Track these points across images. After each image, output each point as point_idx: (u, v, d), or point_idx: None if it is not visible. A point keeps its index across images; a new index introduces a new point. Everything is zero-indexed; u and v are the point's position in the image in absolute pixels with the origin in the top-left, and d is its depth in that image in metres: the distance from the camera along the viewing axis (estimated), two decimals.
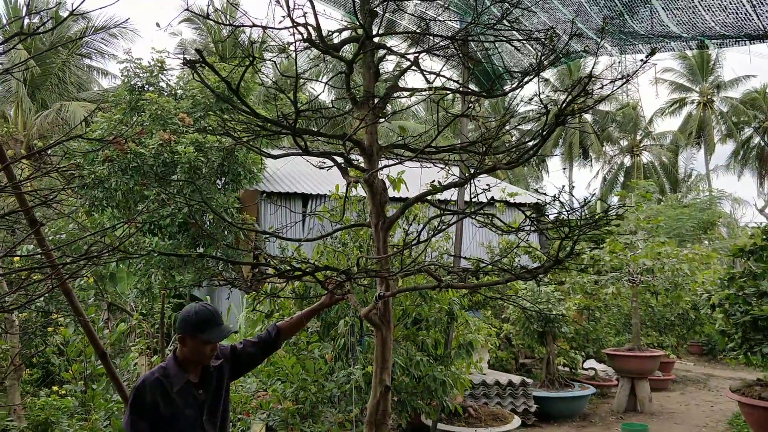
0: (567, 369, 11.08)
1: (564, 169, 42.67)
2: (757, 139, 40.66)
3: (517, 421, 7.24)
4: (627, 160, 43.60)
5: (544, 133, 2.83)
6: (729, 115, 40.59)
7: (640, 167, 41.34)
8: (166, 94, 12.39)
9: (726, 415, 9.41)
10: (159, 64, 12.48)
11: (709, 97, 40.41)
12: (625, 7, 5.15)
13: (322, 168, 3.99)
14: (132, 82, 12.22)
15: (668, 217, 15.92)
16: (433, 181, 3.27)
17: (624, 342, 12.36)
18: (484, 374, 9.02)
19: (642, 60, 2.99)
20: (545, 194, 3.08)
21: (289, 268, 2.82)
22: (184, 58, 3.09)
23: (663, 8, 5.15)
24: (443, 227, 3.20)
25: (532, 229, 2.89)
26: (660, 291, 10.18)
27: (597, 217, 2.57)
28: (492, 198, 3.01)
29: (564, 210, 2.61)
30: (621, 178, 42.62)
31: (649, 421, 8.95)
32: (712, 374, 13.71)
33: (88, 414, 5.46)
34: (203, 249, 12.92)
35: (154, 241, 10.85)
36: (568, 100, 2.86)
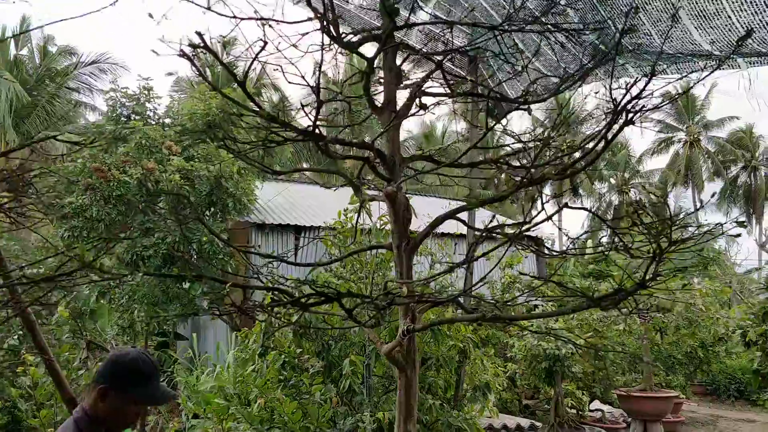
0: (574, 411, 10.48)
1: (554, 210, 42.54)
2: (744, 177, 41.05)
3: None
4: (615, 198, 43.69)
5: (608, 134, 2.37)
6: (716, 153, 41.08)
7: (629, 205, 41.36)
8: (153, 123, 11.93)
9: None
10: (146, 92, 12.05)
11: (695, 136, 40.82)
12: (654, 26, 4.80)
13: (328, 188, 3.51)
14: (117, 112, 11.76)
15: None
16: (470, 194, 2.79)
17: (631, 382, 11.80)
18: (489, 417, 8.43)
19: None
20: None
21: (304, 293, 2.31)
22: (181, 50, 2.62)
23: (696, 27, 4.76)
24: (485, 251, 2.71)
25: (606, 249, 2.42)
26: (668, 328, 9.70)
27: (698, 232, 2.11)
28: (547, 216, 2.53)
29: (653, 225, 2.14)
30: (609, 215, 42.61)
31: None
32: (719, 415, 13.15)
33: None
34: (188, 284, 12.34)
35: (139, 275, 10.23)
36: (631, 97, 2.43)
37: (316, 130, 2.86)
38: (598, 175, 41.27)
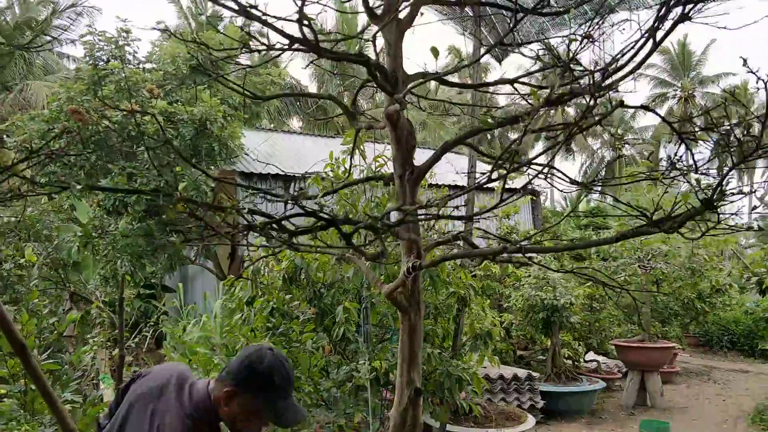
0: (569, 361, 10.33)
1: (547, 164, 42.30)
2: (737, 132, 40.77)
3: (531, 420, 6.45)
4: (608, 154, 43.36)
5: (657, 33, 1.97)
6: (710, 109, 40.65)
7: (622, 161, 41.13)
8: (133, 66, 11.31)
9: (742, 410, 8.74)
10: (125, 33, 11.38)
11: (690, 92, 40.29)
12: None
13: (319, 120, 3.09)
14: (95, 56, 11.11)
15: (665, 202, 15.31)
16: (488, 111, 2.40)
17: (626, 333, 11.67)
18: (485, 367, 8.22)
19: None
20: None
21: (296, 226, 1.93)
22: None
23: None
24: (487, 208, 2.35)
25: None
26: (669, 278, 9.47)
27: None
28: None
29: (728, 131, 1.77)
30: (602, 173, 42.41)
31: (664, 418, 8.23)
32: (712, 366, 13.12)
33: (32, 417, 4.52)
34: (175, 235, 11.97)
35: (121, 223, 9.83)
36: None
37: (308, 38, 2.43)
38: (591, 131, 40.82)
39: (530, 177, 2.43)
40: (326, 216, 1.68)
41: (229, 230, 1.78)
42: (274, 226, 1.80)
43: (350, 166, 3.08)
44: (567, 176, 2.42)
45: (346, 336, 4.39)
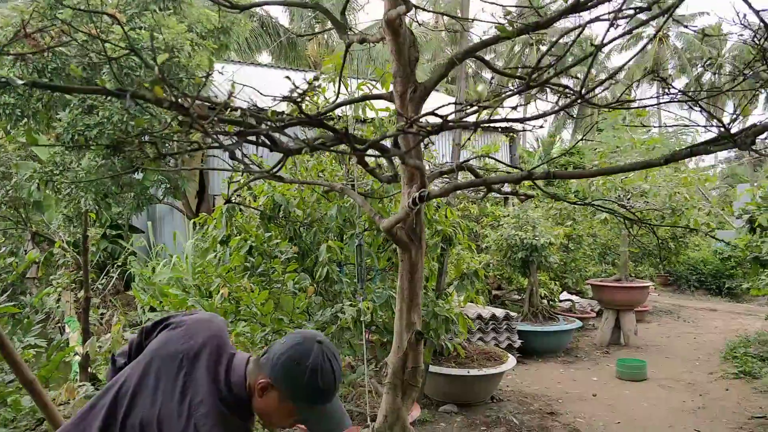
0: (545, 301, 10.36)
1: (518, 105, 42.10)
2: (709, 75, 40.86)
3: (512, 360, 6.38)
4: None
5: None
6: (683, 50, 40.56)
7: (596, 100, 41.07)
8: None
9: (714, 347, 8.88)
10: None
11: (664, 32, 40.00)
12: None
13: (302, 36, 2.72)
14: None
15: (641, 143, 15.22)
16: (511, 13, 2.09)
17: (600, 273, 11.74)
18: (462, 307, 8.14)
19: None
20: None
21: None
22: None
23: None
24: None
25: None
26: (650, 217, 9.40)
27: None
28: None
29: None
30: (576, 109, 42.43)
31: (638, 355, 8.31)
32: (680, 305, 13.37)
33: None
34: (142, 173, 11.49)
35: (84, 159, 9.30)
36: None
37: None
38: (562, 69, 40.43)
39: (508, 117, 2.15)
40: (335, 128, 1.37)
41: (217, 135, 1.46)
42: (265, 139, 1.48)
43: (338, 87, 2.74)
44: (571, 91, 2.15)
45: (329, 276, 4.15)
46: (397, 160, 2.43)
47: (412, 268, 2.40)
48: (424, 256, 2.44)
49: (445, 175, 2.61)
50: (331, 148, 1.58)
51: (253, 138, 1.69)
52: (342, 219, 4.58)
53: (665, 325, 11.08)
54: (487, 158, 10.23)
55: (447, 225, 4.85)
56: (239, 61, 16.57)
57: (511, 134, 12.94)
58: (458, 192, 10.64)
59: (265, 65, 16.26)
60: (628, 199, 9.09)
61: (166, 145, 2.54)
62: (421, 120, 2.06)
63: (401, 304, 2.42)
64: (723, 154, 45.29)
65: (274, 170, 1.59)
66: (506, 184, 2.17)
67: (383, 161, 3.08)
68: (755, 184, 8.81)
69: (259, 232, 4.44)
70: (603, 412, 6.00)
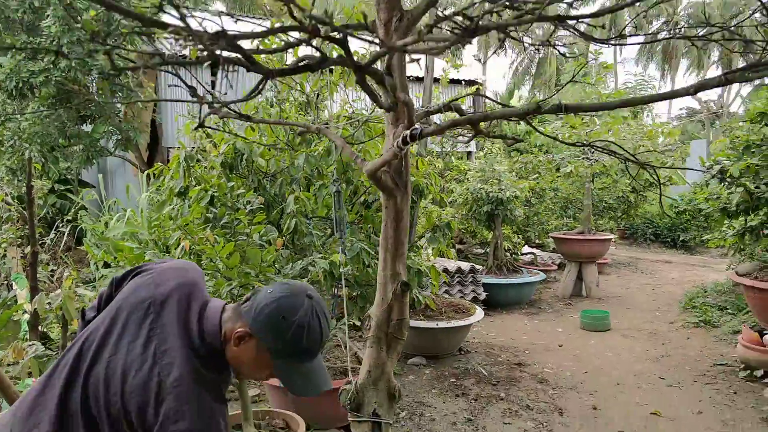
0: (508, 255, 10.39)
1: (479, 59, 41.96)
2: (664, 33, 41.31)
3: (480, 312, 6.34)
4: (541, 52, 43.19)
5: None
6: (640, 8, 40.80)
7: (553, 58, 41.14)
8: None
9: (673, 298, 9.07)
10: None
11: None
12: None
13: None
14: None
15: (606, 96, 15.24)
16: None
17: (562, 226, 11.83)
18: (431, 261, 8.06)
19: None
20: None
21: None
22: None
23: None
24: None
25: None
26: (613, 169, 9.44)
27: None
28: None
29: None
30: (533, 69, 42.51)
31: (600, 307, 8.43)
32: (637, 257, 13.66)
33: None
34: (91, 124, 10.92)
35: (28, 109, 8.72)
36: None
37: None
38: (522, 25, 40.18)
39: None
40: (335, 38, 1.15)
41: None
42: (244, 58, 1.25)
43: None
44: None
45: (298, 228, 3.93)
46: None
47: (397, 215, 2.22)
48: (409, 203, 2.25)
49: (442, 111, 2.41)
50: (323, 66, 1.36)
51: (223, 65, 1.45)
52: (311, 169, 4.36)
53: (624, 277, 11.29)
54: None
55: (419, 176, 4.67)
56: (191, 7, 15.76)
57: (477, 86, 12.76)
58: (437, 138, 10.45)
59: (220, 13, 15.50)
60: (593, 152, 9.07)
61: (121, 62, 2.25)
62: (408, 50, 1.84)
63: (385, 254, 2.25)
64: (675, 112, 46.17)
65: (251, 96, 1.36)
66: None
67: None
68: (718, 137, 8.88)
69: (222, 182, 4.17)
70: (569, 362, 6.04)
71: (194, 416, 1.41)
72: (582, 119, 8.78)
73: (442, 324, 5.96)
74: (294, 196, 3.95)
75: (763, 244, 5.65)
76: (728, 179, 4.89)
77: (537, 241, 11.83)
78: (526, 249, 11.40)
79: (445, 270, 7.91)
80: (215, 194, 3.94)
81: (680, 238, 14.73)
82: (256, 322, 1.52)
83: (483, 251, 10.38)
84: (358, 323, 5.14)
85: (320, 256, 3.80)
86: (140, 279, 1.68)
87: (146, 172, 8.56)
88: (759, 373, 5.32)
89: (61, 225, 8.99)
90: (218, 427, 1.47)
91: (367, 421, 2.08)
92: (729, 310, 7.48)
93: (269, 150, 4.49)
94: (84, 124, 10.67)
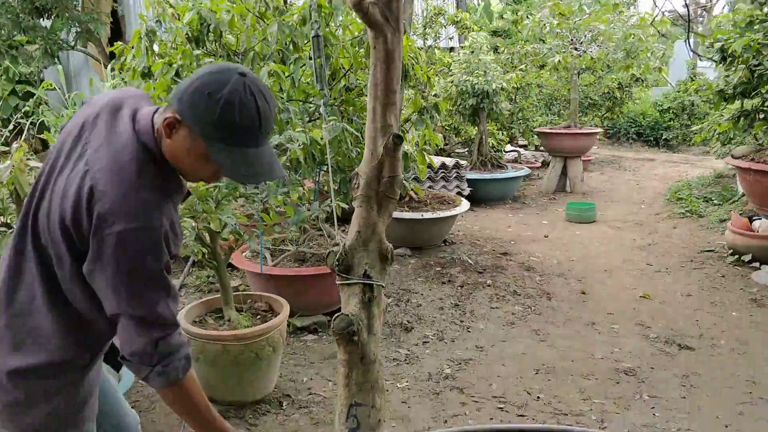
0: (492, 151, 10.16)
1: None
2: None
3: (466, 203, 6.17)
4: None
5: None
6: None
7: None
8: None
9: (657, 191, 9.00)
10: None
11: None
12: None
13: None
14: None
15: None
16: None
17: (546, 123, 11.57)
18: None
19: None
20: None
21: None
22: None
23: None
24: None
25: None
26: (602, 61, 9.06)
27: None
28: None
29: None
30: None
31: (586, 201, 8.33)
32: (620, 156, 13.53)
33: None
34: (49, 19, 10.19)
35: None
36: None
37: None
38: None
39: None
40: None
41: None
42: None
43: None
44: None
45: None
46: None
47: (387, 56, 1.92)
48: (401, 43, 1.95)
49: None
50: None
51: None
52: (285, 42, 3.98)
53: (608, 173, 11.19)
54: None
55: (404, 57, 4.31)
56: None
57: None
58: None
59: None
60: (581, 42, 8.66)
61: None
62: None
63: (374, 103, 1.97)
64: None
65: None
66: None
67: None
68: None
69: (186, 48, 3.79)
70: (556, 252, 5.96)
71: (131, 217, 1.31)
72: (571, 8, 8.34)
73: (428, 215, 5.79)
74: (267, 70, 3.60)
75: (758, 128, 5.46)
76: (729, 56, 4.61)
77: (521, 138, 11.60)
78: (509, 148, 11.19)
79: (429, 165, 7.66)
80: (180, 64, 3.58)
81: (663, 137, 14.59)
82: (181, 103, 1.35)
83: (464, 150, 10.12)
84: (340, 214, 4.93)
85: (300, 129, 3.50)
86: (80, 109, 1.57)
87: (109, 65, 8.04)
88: (747, 258, 5.28)
89: (22, 120, 8.50)
90: (159, 222, 1.36)
91: (358, 283, 1.89)
92: (715, 201, 7.41)
93: (238, 21, 4.08)
94: (42, 19, 10.02)
